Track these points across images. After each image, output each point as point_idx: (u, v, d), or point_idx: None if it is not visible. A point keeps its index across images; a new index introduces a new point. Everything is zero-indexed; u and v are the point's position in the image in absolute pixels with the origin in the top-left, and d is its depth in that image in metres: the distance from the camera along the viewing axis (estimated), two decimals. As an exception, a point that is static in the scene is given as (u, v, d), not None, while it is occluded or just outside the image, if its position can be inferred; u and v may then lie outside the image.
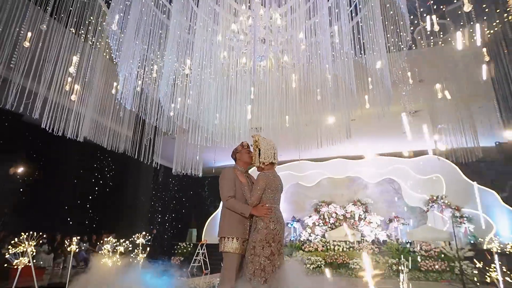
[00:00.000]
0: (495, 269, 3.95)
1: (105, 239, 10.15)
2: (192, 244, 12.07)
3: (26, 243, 3.91)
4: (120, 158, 10.91)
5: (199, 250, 10.67)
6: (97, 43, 5.27)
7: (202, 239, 13.01)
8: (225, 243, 3.56)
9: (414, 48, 6.03)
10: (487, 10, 5.57)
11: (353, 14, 5.00)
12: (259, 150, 3.91)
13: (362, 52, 4.47)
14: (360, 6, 5.15)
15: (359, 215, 12.94)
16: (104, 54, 5.66)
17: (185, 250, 11.71)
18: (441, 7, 5.59)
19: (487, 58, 5.61)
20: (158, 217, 12.42)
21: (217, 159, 9.39)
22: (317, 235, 12.69)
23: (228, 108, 5.18)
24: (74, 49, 4.93)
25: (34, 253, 4.21)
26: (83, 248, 9.86)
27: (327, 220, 13.11)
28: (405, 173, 12.95)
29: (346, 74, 4.29)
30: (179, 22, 4.26)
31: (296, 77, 5.17)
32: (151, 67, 5.17)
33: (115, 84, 5.43)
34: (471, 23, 5.64)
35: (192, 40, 4.58)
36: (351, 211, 13.10)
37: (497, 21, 5.84)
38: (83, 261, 9.53)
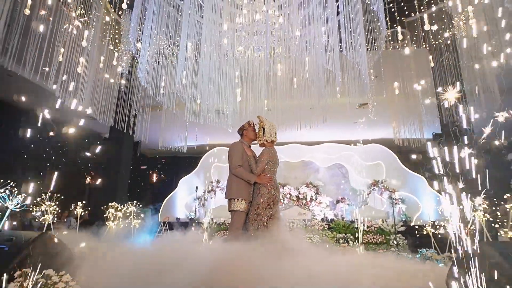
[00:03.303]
0: (429, 225, 5.48)
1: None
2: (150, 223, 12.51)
3: (47, 203, 4.28)
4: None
5: (161, 226, 11.29)
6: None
7: (159, 217, 13.60)
8: (235, 203, 4.43)
9: (376, 48, 7.33)
10: (435, 25, 7.08)
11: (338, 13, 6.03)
12: (263, 129, 4.81)
13: (346, 47, 5.50)
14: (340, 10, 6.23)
15: (311, 196, 14.54)
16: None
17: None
18: (402, 18, 6.97)
19: (432, 64, 7.18)
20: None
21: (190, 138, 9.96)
22: (272, 214, 14.00)
23: (221, 90, 5.92)
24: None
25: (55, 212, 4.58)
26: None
27: (282, 200, 14.49)
28: (353, 159, 14.85)
29: (332, 66, 5.34)
30: (190, 15, 4.85)
31: (282, 66, 6.09)
32: (160, 48, 5.65)
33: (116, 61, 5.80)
34: (423, 33, 7.15)
35: (199, 31, 5.22)
36: (303, 193, 14.63)
37: (441, 33, 7.40)
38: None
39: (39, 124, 5.65)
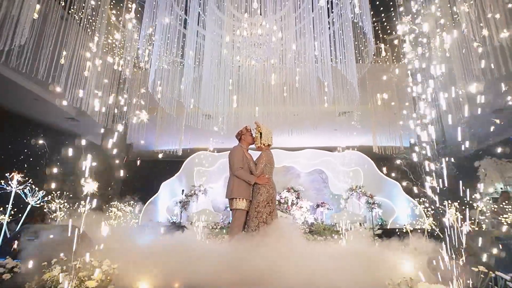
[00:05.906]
0: (409, 224, 6.18)
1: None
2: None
3: (57, 200, 4.52)
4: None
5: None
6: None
7: (140, 221, 13.72)
8: (237, 202, 4.89)
9: (360, 61, 8.05)
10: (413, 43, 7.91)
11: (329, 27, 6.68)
12: (260, 134, 5.30)
13: (340, 61, 6.14)
14: (329, 26, 6.88)
15: (292, 200, 15.14)
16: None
17: (127, 231, 12.25)
18: (384, 36, 7.75)
19: (410, 79, 7.97)
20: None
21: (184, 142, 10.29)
22: (254, 217, 14.49)
23: (219, 96, 6.38)
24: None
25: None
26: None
27: (264, 204, 14.99)
28: (332, 165, 15.62)
29: (324, 77, 5.95)
30: (195, 29, 5.30)
31: (276, 76, 6.64)
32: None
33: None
34: (402, 50, 7.95)
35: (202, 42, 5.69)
36: (285, 197, 15.22)
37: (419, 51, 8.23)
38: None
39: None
